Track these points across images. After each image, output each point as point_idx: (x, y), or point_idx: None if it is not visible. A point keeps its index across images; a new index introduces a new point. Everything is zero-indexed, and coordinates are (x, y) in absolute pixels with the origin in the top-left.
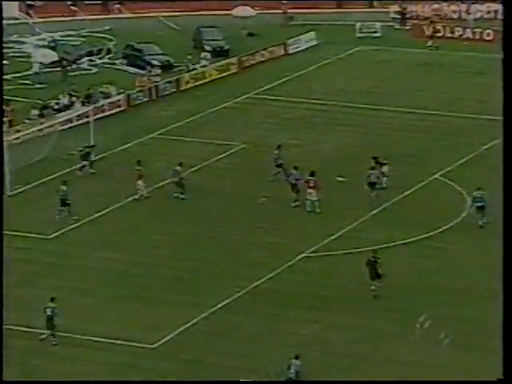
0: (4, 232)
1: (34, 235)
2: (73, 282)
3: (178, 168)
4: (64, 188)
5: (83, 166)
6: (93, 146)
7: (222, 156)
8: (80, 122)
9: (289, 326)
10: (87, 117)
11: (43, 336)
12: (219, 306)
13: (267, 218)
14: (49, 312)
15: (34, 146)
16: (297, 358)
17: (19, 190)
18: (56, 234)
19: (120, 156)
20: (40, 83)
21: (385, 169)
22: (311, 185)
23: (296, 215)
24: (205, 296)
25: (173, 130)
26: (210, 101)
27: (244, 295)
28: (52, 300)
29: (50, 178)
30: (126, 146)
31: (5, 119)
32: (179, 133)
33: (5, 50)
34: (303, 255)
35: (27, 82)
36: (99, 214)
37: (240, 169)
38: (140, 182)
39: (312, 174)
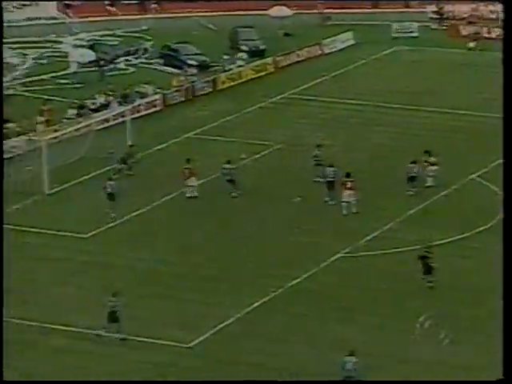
0: (41, 230)
1: (71, 234)
2: (107, 280)
3: (227, 166)
4: (112, 183)
5: (120, 170)
6: (131, 146)
7: (257, 156)
8: (116, 121)
9: (323, 326)
10: (123, 116)
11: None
12: (255, 305)
13: (303, 217)
14: (111, 306)
15: (72, 146)
16: (351, 354)
17: (57, 189)
18: (93, 233)
19: (156, 156)
20: (77, 83)
21: (433, 168)
22: (348, 186)
23: (332, 215)
24: (240, 296)
25: (209, 130)
26: (246, 101)
27: (279, 295)
28: (114, 295)
29: (86, 177)
30: (162, 145)
31: (42, 118)
32: (215, 133)
33: (43, 50)
34: (338, 255)
35: (65, 81)
36: (136, 213)
37: (276, 168)
38: (193, 179)
39: (348, 175)
